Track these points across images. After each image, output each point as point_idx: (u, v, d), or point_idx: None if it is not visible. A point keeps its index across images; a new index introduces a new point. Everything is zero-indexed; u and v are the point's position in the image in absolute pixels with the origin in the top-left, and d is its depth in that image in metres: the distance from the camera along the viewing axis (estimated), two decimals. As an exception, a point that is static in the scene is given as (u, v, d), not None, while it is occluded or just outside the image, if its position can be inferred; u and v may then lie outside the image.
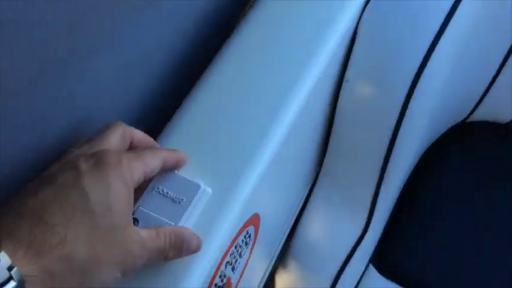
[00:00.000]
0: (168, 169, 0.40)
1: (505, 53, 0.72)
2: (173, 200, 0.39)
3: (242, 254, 0.49)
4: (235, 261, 0.47)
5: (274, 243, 0.67)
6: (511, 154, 0.81)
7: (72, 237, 0.30)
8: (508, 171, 0.80)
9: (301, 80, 0.48)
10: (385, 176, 0.67)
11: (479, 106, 0.81)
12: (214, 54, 0.51)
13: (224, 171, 0.42)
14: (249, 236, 0.49)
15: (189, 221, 0.39)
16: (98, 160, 0.33)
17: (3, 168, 0.35)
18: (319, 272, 0.77)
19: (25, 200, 0.31)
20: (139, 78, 0.48)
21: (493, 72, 0.74)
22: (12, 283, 0.27)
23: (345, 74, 0.57)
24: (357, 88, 0.57)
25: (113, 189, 0.32)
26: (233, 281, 0.50)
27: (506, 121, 0.83)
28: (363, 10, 0.56)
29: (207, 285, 0.41)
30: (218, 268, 0.42)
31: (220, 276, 0.44)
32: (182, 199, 0.39)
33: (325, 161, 0.67)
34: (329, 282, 0.76)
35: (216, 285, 0.44)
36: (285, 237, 0.71)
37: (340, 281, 0.76)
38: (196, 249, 0.38)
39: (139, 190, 0.38)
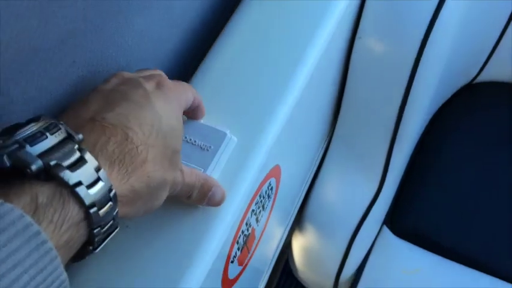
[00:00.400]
0: (193, 115, 0.42)
1: (510, 12, 0.73)
2: (201, 148, 0.40)
3: (265, 206, 0.50)
4: (259, 212, 0.49)
5: (292, 202, 0.68)
6: (519, 113, 0.82)
7: (151, 157, 0.31)
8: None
9: (315, 37, 0.49)
10: (398, 135, 0.68)
11: (486, 66, 0.82)
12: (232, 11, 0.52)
13: (248, 122, 0.44)
14: (271, 189, 0.50)
15: (217, 168, 0.40)
16: (159, 83, 0.35)
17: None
18: (335, 234, 0.78)
19: (100, 114, 0.31)
20: (175, 33, 0.50)
21: (499, 31, 0.75)
22: (114, 207, 0.28)
23: (357, 31, 0.58)
24: (370, 44, 0.58)
25: (176, 112, 0.34)
26: (256, 234, 0.52)
27: (514, 80, 0.84)
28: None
29: (235, 229, 0.43)
30: (245, 214, 0.44)
31: (246, 224, 0.45)
32: (210, 147, 0.40)
33: (338, 119, 0.68)
34: (345, 244, 0.77)
35: (242, 232, 0.45)
36: (301, 197, 0.72)
37: (355, 243, 0.77)
38: (219, 203, 0.39)
39: None
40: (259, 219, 0.50)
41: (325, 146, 0.75)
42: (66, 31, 0.34)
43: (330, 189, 0.76)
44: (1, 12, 0.28)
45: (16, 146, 0.26)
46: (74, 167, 0.27)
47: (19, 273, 0.22)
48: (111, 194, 0.28)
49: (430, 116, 0.82)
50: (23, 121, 0.29)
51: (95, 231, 0.27)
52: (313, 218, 0.77)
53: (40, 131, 0.27)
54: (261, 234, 0.54)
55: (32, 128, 0.27)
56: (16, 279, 0.22)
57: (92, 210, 0.27)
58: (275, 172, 0.49)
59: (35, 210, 0.24)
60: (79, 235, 0.27)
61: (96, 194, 0.27)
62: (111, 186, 0.28)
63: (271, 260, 0.67)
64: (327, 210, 0.77)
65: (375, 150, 0.71)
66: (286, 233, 0.69)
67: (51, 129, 0.28)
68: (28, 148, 0.26)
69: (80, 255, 0.28)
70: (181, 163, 0.35)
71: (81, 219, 0.26)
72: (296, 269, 0.83)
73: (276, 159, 0.49)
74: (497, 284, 0.69)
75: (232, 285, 0.49)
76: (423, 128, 0.81)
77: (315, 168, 0.74)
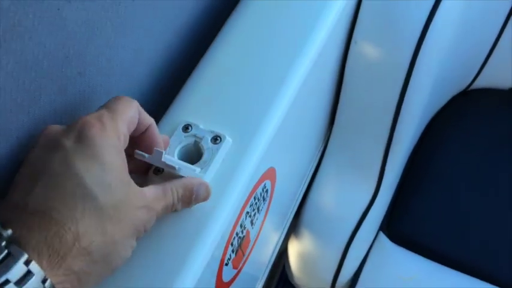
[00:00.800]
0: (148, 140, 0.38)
1: (505, 17, 0.74)
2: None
3: (260, 208, 0.50)
4: (254, 214, 0.49)
5: (288, 206, 0.68)
6: (515, 119, 0.83)
7: (84, 229, 0.29)
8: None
9: (309, 41, 0.50)
10: (393, 141, 0.69)
11: (481, 73, 0.83)
12: (229, 14, 0.52)
13: (242, 123, 0.44)
14: (266, 191, 0.50)
15: (212, 168, 0.40)
16: (80, 133, 0.31)
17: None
18: (331, 239, 0.78)
19: (23, 199, 0.29)
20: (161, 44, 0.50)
21: (493, 38, 0.76)
22: None
23: (353, 36, 0.58)
24: (365, 49, 0.58)
25: (106, 163, 0.30)
26: (251, 237, 0.51)
27: (509, 87, 0.84)
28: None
29: (229, 231, 0.43)
30: (239, 216, 0.44)
31: (241, 226, 0.45)
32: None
33: (334, 124, 0.68)
34: (340, 250, 0.77)
35: (237, 234, 0.45)
36: (298, 201, 0.72)
37: (351, 248, 0.77)
38: (205, 198, 0.38)
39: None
40: (254, 221, 0.50)
41: (321, 150, 0.75)
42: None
43: (326, 195, 0.76)
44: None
45: None
46: (1, 265, 0.26)
47: None
48: (46, 285, 0.27)
49: (425, 123, 0.82)
50: None
51: None
52: (309, 223, 0.77)
53: None
54: (256, 238, 0.54)
55: None
56: None
57: None
58: (270, 174, 0.49)
59: None
60: None
61: None
62: (45, 276, 0.27)
63: (267, 265, 0.67)
64: (323, 215, 0.77)
65: (371, 155, 0.71)
66: (283, 237, 0.69)
67: None
68: None
69: None
70: (148, 192, 0.33)
71: None
72: (292, 275, 0.83)
73: (271, 162, 0.49)
74: (493, 290, 0.69)
75: (227, 288, 0.49)
76: (419, 135, 0.81)
77: (312, 173, 0.74)
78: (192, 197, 0.37)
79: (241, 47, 0.49)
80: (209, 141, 0.41)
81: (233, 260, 0.47)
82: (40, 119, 0.36)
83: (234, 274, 0.50)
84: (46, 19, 0.33)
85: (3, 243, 0.27)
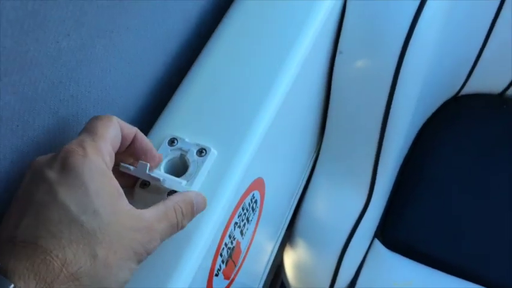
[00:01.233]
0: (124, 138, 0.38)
1: (490, 23, 0.75)
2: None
3: (250, 219, 0.51)
4: (243, 225, 0.49)
5: (281, 216, 0.69)
6: (505, 123, 0.83)
7: (72, 255, 0.29)
8: (503, 141, 0.82)
9: (294, 50, 0.51)
10: (383, 147, 0.69)
11: (470, 78, 0.84)
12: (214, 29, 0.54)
13: (227, 136, 0.45)
14: (255, 202, 0.51)
15: (197, 180, 0.41)
16: (63, 162, 0.31)
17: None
18: (325, 248, 0.78)
19: (14, 231, 0.30)
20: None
21: (481, 42, 0.76)
22: None
23: (338, 46, 0.59)
24: (350, 59, 0.59)
25: (91, 189, 0.31)
26: (242, 248, 0.52)
27: (499, 92, 0.85)
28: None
29: (218, 242, 0.43)
30: (227, 226, 0.44)
31: (230, 237, 0.46)
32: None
33: (325, 133, 0.69)
34: (335, 258, 0.78)
35: (226, 244, 0.46)
36: (291, 212, 0.72)
37: (346, 256, 0.77)
38: (203, 207, 0.39)
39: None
40: (244, 232, 0.50)
41: (313, 160, 0.75)
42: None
43: (319, 204, 0.77)
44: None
45: None
46: None
47: None
48: None
49: (417, 129, 0.83)
50: None
51: None
52: (303, 233, 0.78)
53: None
54: (248, 248, 0.54)
55: None
56: None
57: None
58: (258, 185, 0.50)
59: None
60: None
61: None
62: None
63: (262, 276, 0.67)
64: (317, 224, 0.78)
65: (361, 163, 0.72)
66: (277, 248, 0.70)
67: None
68: None
69: None
70: (147, 213, 0.33)
71: None
72: (289, 285, 0.83)
73: (259, 172, 0.49)
74: (488, 294, 0.70)
75: (219, 299, 0.49)
76: (411, 141, 0.82)
77: (304, 183, 0.75)
78: (194, 209, 0.37)
79: (226, 58, 0.50)
80: (194, 153, 0.42)
81: (224, 270, 0.48)
82: (33, 142, 0.37)
83: (226, 285, 0.51)
84: (45, 51, 0.34)
85: None
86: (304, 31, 0.51)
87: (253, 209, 0.51)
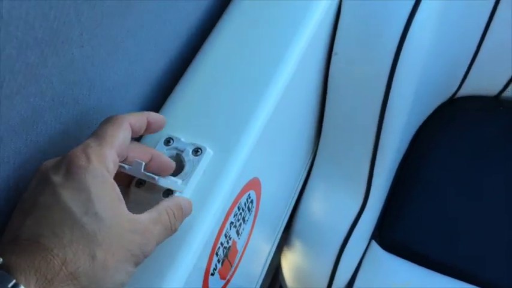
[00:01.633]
0: (137, 132, 0.39)
1: (485, 24, 0.75)
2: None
3: (246, 219, 0.51)
4: (239, 224, 0.50)
5: (278, 217, 0.69)
6: (501, 125, 0.84)
7: (72, 255, 0.30)
8: (499, 142, 0.82)
9: (290, 51, 0.51)
10: (379, 148, 0.70)
11: (467, 80, 0.84)
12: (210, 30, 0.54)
13: (223, 135, 0.45)
14: (251, 202, 0.51)
15: (193, 180, 0.41)
16: (68, 168, 0.33)
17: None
18: (322, 250, 0.79)
19: (18, 230, 0.31)
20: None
21: (475, 44, 0.77)
22: None
23: (333, 47, 0.59)
24: (346, 60, 0.59)
25: (93, 194, 0.32)
26: (238, 247, 0.52)
27: (495, 94, 0.86)
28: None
29: (213, 241, 0.43)
30: (223, 225, 0.44)
31: (225, 236, 0.46)
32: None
33: (322, 134, 0.69)
34: (332, 260, 0.78)
35: (221, 244, 0.46)
36: (288, 213, 0.73)
37: (343, 258, 0.78)
38: (190, 212, 0.40)
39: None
40: (240, 232, 0.50)
41: (310, 161, 0.76)
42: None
43: (316, 205, 0.77)
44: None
45: None
46: None
47: None
48: None
49: (413, 131, 0.83)
50: None
51: None
52: (300, 234, 0.78)
53: None
54: (244, 248, 0.54)
55: None
56: None
57: None
58: (254, 185, 0.50)
59: None
60: None
61: None
62: None
63: (259, 277, 0.67)
64: (314, 226, 0.78)
65: (358, 165, 0.72)
66: (274, 249, 0.70)
67: None
68: None
69: None
70: (142, 217, 0.34)
71: None
72: (287, 287, 0.83)
73: (254, 172, 0.49)
74: (485, 295, 0.70)
75: (215, 298, 0.49)
76: (407, 143, 0.82)
77: (301, 184, 0.75)
78: (183, 213, 0.38)
79: (221, 59, 0.50)
80: (190, 153, 0.42)
81: (220, 270, 0.48)
82: (36, 145, 0.38)
83: (222, 285, 0.51)
84: (60, 63, 0.35)
85: None
86: (299, 32, 0.52)
87: (249, 209, 0.51)
